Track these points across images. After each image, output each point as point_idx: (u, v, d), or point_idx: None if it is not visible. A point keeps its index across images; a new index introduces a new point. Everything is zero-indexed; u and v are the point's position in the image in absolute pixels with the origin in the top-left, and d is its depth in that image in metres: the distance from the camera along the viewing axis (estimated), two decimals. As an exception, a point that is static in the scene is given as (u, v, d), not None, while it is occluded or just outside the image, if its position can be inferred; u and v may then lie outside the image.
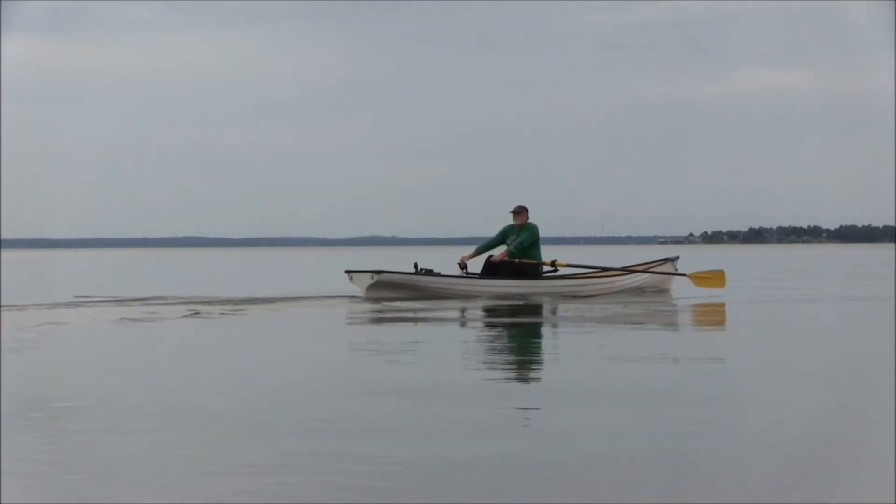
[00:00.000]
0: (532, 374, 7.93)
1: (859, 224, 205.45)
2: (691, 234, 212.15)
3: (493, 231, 17.27)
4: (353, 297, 16.66)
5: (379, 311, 14.47)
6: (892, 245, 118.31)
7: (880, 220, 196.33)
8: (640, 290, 17.51)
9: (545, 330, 12.42)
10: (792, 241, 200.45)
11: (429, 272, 16.82)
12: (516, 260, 16.78)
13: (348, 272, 16.80)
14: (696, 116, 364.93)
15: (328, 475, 4.51)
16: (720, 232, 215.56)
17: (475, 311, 14.72)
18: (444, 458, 4.83)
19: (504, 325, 12.86)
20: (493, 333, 11.82)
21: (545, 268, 17.04)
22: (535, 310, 15.00)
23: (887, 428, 5.50)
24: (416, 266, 16.93)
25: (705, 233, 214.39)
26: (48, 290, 22.27)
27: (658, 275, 17.84)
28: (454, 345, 10.50)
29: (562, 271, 17.22)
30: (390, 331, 12.07)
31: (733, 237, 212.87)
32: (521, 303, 15.95)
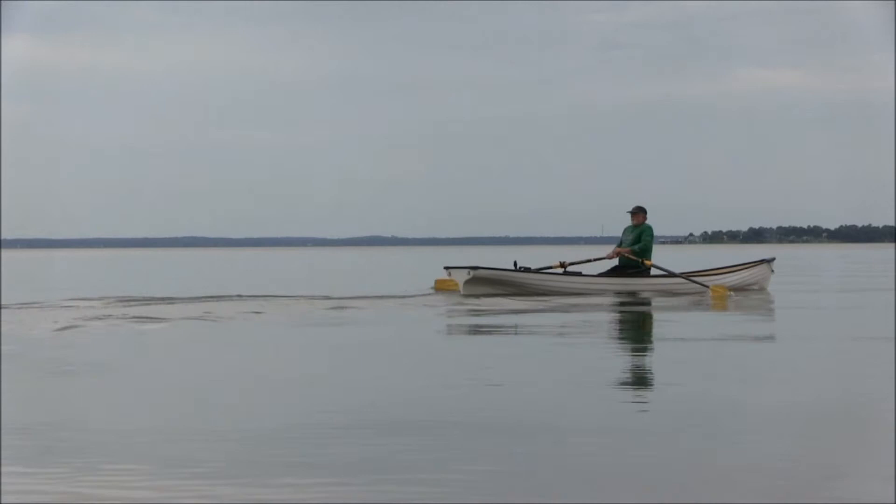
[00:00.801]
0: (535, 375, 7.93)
1: (859, 224, 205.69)
2: (691, 234, 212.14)
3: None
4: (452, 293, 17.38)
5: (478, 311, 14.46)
6: (892, 245, 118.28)
7: (880, 220, 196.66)
8: (738, 289, 17.86)
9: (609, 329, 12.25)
10: (792, 241, 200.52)
11: (526, 270, 17.71)
12: (625, 254, 17.78)
13: (447, 268, 17.89)
14: (696, 116, 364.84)
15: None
16: (720, 232, 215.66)
17: (568, 308, 14.68)
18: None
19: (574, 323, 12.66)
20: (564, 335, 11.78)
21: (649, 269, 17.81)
22: (623, 306, 15.26)
23: (887, 427, 5.50)
24: (515, 264, 18.02)
25: (705, 233, 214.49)
26: (48, 290, 22.24)
27: (754, 275, 18.53)
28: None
29: (656, 272, 17.81)
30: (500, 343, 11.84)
31: (733, 237, 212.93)
32: (614, 299, 16.27)
